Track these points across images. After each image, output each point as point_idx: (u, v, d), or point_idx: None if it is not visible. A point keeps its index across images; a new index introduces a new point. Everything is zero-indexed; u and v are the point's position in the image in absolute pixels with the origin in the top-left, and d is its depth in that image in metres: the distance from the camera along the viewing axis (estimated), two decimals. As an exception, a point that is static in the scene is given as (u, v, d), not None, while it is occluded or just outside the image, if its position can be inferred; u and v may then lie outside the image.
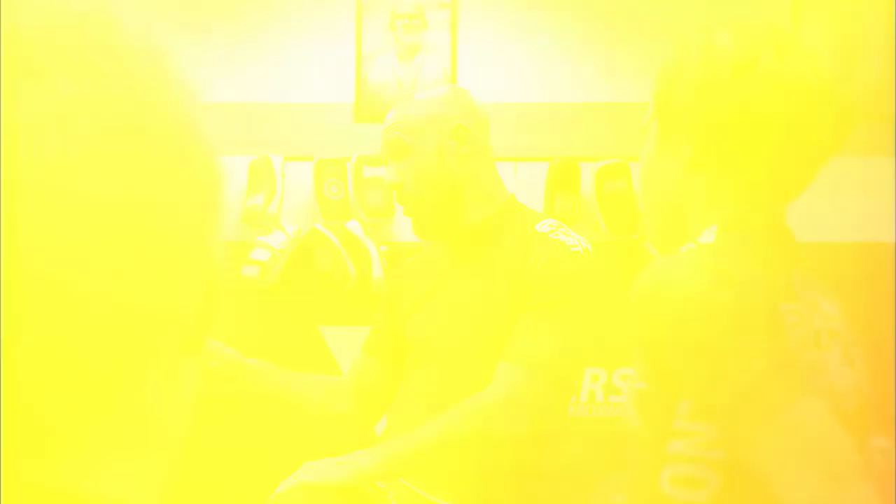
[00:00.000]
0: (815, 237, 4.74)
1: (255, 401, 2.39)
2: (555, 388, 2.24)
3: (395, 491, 2.28)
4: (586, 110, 4.81)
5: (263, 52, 4.85)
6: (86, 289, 0.56)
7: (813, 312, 1.39)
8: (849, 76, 1.41)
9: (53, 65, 0.55)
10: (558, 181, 4.64)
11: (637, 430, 1.39)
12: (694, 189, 1.47)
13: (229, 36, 4.85)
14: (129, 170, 0.56)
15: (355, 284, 4.67)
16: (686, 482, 1.35)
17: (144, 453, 0.62)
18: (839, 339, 1.40)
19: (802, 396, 1.21)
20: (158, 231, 0.58)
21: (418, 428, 2.18)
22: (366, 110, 4.82)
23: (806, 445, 1.18)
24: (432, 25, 4.84)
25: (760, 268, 1.36)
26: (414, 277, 2.46)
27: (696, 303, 1.28)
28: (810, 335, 1.36)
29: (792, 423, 1.19)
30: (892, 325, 4.28)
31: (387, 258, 4.62)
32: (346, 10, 4.85)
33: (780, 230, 1.47)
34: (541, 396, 2.22)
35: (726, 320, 1.26)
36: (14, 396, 0.53)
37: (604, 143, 4.75)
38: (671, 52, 1.51)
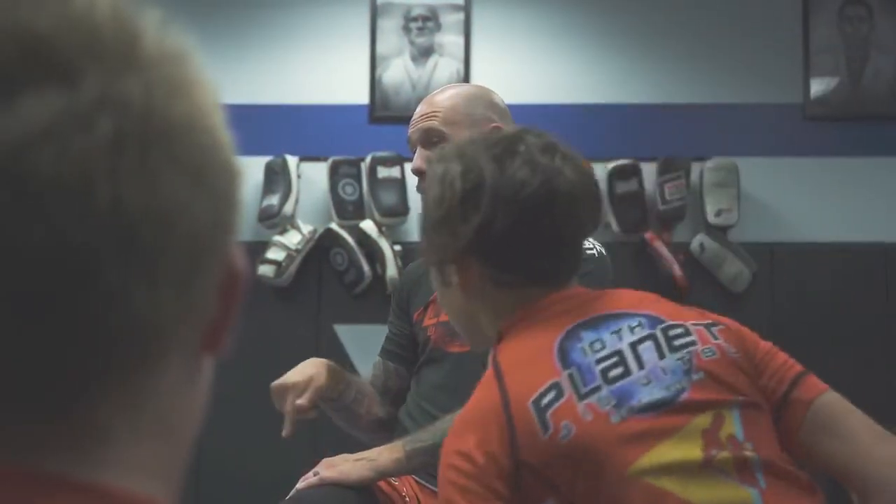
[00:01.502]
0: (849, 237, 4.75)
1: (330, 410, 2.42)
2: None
3: (408, 487, 2.29)
4: (598, 111, 4.84)
5: (279, 54, 4.89)
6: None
7: (609, 338, 1.51)
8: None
9: (81, 66, 0.56)
10: (570, 181, 4.66)
11: None
12: (474, 308, 1.64)
13: (245, 39, 4.89)
14: (151, 170, 0.57)
15: (369, 284, 4.70)
16: None
17: (162, 446, 0.63)
18: (649, 341, 1.52)
19: None
20: (178, 230, 0.58)
21: (433, 425, 2.19)
22: (380, 111, 4.86)
23: None
24: (446, 28, 4.87)
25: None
26: (425, 276, 2.47)
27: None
28: (608, 356, 1.49)
29: None
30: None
31: (400, 257, 4.64)
32: (361, 12, 4.89)
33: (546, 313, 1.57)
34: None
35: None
36: None
37: (615, 143, 4.77)
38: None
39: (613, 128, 4.82)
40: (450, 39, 4.86)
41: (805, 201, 4.75)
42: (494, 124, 2.37)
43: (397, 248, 4.67)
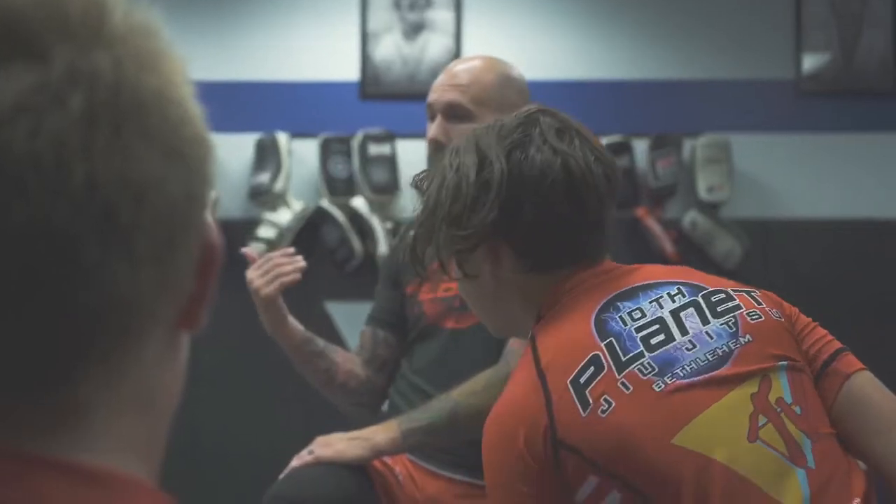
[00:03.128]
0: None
1: (296, 358, 2.40)
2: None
3: (401, 465, 2.29)
4: (589, 88, 4.82)
5: (269, 30, 4.86)
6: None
7: (648, 307, 1.50)
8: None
9: (51, 42, 0.56)
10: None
11: None
12: (502, 296, 1.62)
13: (235, 15, 4.86)
14: (124, 145, 0.57)
15: (360, 261, 4.69)
16: None
17: (142, 423, 0.63)
18: (691, 308, 1.50)
19: None
20: (154, 205, 0.58)
21: (429, 404, 2.18)
22: (371, 88, 4.84)
23: None
24: (437, 3, 4.84)
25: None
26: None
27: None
28: (648, 324, 1.47)
29: None
30: None
31: (392, 235, 4.63)
32: (351, -13, 4.86)
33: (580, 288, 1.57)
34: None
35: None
36: None
37: (607, 120, 4.76)
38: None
39: (605, 104, 4.80)
40: (441, 16, 4.83)
41: (797, 177, 4.75)
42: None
43: (388, 225, 4.66)
